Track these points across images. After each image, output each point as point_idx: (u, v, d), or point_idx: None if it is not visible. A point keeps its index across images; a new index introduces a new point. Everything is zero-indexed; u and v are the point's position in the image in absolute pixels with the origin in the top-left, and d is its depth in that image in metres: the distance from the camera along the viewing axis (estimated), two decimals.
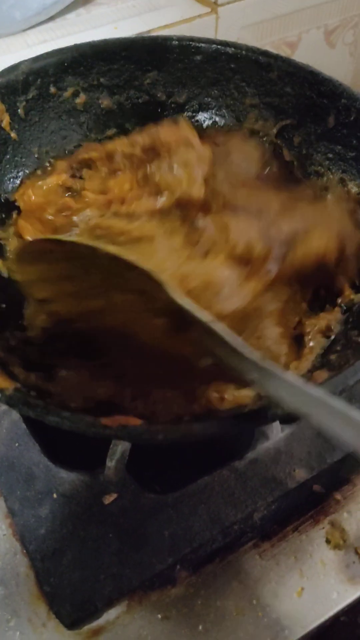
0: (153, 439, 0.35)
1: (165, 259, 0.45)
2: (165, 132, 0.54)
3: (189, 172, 0.50)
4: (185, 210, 0.49)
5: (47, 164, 0.57)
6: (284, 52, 0.94)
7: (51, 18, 0.81)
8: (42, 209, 0.53)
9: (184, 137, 0.52)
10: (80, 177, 0.56)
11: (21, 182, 0.55)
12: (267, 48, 0.92)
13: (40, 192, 0.54)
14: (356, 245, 0.46)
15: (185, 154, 0.51)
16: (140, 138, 0.54)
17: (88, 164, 0.56)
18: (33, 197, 0.54)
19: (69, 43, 0.79)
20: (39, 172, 0.56)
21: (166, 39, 0.57)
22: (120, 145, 0.55)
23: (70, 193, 0.55)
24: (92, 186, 0.55)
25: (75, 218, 0.52)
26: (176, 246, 0.46)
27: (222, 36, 0.86)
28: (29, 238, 0.51)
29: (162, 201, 0.49)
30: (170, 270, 0.44)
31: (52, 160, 0.57)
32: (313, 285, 0.48)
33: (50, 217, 0.52)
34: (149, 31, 0.81)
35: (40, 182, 0.55)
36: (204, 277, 0.44)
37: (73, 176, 0.56)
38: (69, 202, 0.53)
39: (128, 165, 0.54)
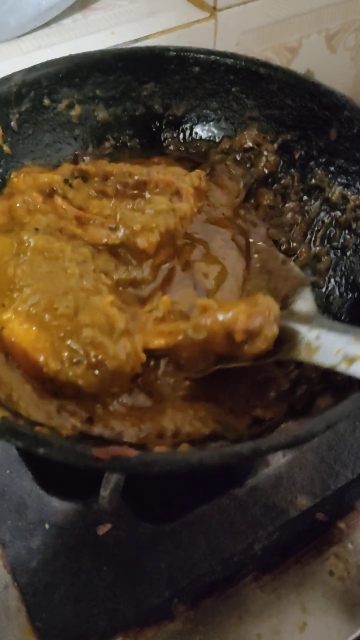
0: (148, 471, 0.33)
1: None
2: (165, 173, 0.54)
3: (149, 221, 0.49)
4: (129, 253, 0.49)
5: (57, 162, 0.56)
6: (284, 57, 0.93)
7: (47, 24, 0.80)
8: (19, 194, 0.52)
9: (175, 185, 0.52)
10: (70, 185, 0.54)
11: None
12: (267, 53, 0.91)
13: (31, 180, 0.53)
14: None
15: (163, 203, 0.51)
16: (138, 171, 0.53)
17: (85, 176, 0.55)
18: (23, 180, 0.53)
19: (65, 49, 0.77)
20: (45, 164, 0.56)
21: (164, 50, 0.56)
22: (118, 171, 0.54)
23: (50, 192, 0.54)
24: (75, 197, 0.53)
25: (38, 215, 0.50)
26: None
27: (221, 41, 0.85)
28: None
29: (112, 236, 0.49)
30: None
31: (61, 160, 0.56)
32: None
33: (17, 205, 0.50)
34: (146, 36, 0.79)
35: (36, 175, 0.54)
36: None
37: (66, 181, 0.55)
38: (37, 199, 0.51)
39: (117, 193, 0.53)
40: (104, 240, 0.48)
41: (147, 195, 0.52)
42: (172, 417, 0.43)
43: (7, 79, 0.52)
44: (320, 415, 0.36)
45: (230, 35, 0.85)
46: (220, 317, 0.41)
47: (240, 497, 0.46)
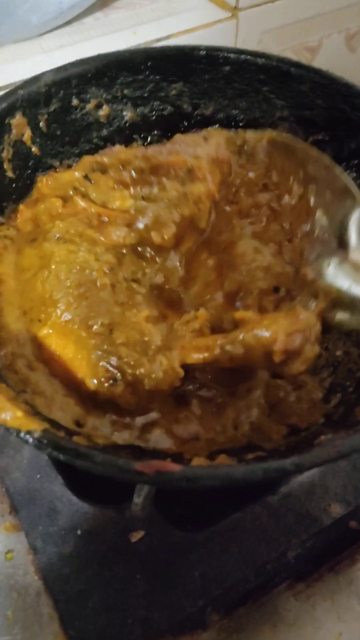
0: (191, 486, 0.33)
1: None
2: (174, 150, 0.51)
3: (161, 212, 0.47)
4: (151, 249, 0.48)
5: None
6: (304, 57, 0.92)
7: (68, 22, 0.79)
8: (42, 200, 0.51)
9: (188, 163, 0.50)
10: (90, 181, 0.53)
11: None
12: (287, 53, 0.91)
13: (53, 181, 0.52)
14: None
15: (173, 189, 0.48)
16: (152, 154, 0.51)
17: (102, 168, 0.54)
18: (46, 184, 0.52)
19: (86, 48, 0.77)
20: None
21: (193, 49, 0.55)
22: (132, 156, 0.52)
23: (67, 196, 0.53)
24: (96, 193, 0.52)
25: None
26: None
27: (242, 41, 0.84)
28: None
29: (129, 235, 0.48)
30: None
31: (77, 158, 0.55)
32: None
33: (40, 212, 0.50)
34: (168, 36, 0.79)
35: (57, 175, 0.53)
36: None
37: (86, 177, 0.54)
38: (55, 203, 0.50)
39: (135, 181, 0.51)
40: (122, 241, 0.47)
41: (164, 180, 0.50)
42: (207, 425, 0.43)
43: (36, 78, 0.51)
44: None
45: (251, 35, 0.85)
46: (259, 334, 0.40)
47: (274, 505, 0.45)
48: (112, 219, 0.49)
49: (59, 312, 0.42)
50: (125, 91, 0.55)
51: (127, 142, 0.57)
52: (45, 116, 0.52)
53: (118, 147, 0.55)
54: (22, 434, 0.33)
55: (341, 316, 0.41)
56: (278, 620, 0.42)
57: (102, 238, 0.48)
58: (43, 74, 0.51)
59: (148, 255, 0.48)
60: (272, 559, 0.44)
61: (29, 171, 0.52)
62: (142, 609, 0.41)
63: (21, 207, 0.51)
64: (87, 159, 0.54)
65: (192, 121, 0.58)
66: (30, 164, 0.52)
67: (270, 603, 0.43)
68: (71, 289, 0.44)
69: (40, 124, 0.52)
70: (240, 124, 0.57)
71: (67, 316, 0.42)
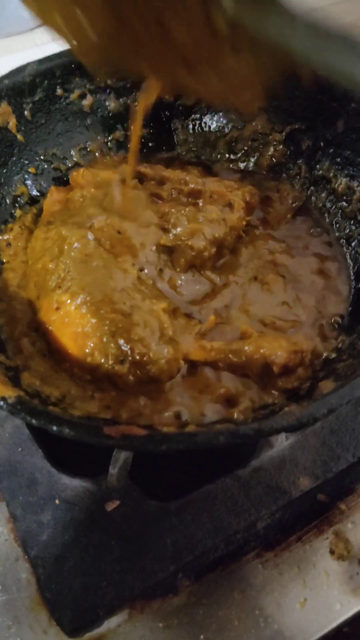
0: (156, 449, 0.35)
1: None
2: (219, 185, 0.56)
3: (200, 227, 0.51)
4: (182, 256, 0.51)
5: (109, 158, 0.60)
6: None
7: None
8: (79, 189, 0.55)
9: (229, 197, 0.54)
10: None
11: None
12: None
13: (90, 175, 0.56)
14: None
15: (214, 212, 0.53)
16: (194, 180, 0.56)
17: (142, 178, 0.57)
18: (82, 175, 0.56)
19: None
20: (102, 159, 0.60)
21: None
22: (175, 177, 0.56)
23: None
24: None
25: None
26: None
27: None
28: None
29: (165, 237, 0.51)
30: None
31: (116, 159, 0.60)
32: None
33: (76, 198, 0.54)
34: None
35: (95, 171, 0.57)
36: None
37: (123, 181, 0.56)
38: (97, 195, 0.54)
39: (171, 198, 0.56)
40: (160, 241, 0.51)
41: (201, 204, 0.55)
42: (180, 401, 0.45)
43: (21, 69, 0.53)
44: (322, 400, 0.38)
45: None
46: (262, 349, 0.45)
47: (244, 477, 0.47)
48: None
49: (75, 286, 0.46)
50: (109, 82, 0.57)
51: (111, 131, 0.59)
52: (30, 105, 0.54)
53: (160, 166, 0.59)
54: None
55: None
56: (246, 586, 0.44)
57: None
58: (27, 64, 0.53)
59: (175, 259, 0.52)
60: (241, 529, 0.45)
61: (14, 158, 0.54)
62: (116, 574, 0.43)
63: (52, 188, 0.55)
64: (128, 168, 0.57)
65: (174, 111, 0.60)
66: (15, 151, 0.54)
67: (239, 570, 0.45)
68: (90, 270, 0.47)
69: (25, 112, 0.54)
70: (220, 114, 0.59)
71: (88, 290, 0.46)
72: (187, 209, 0.52)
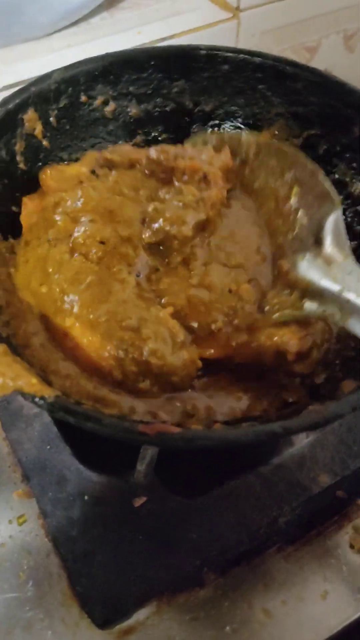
0: (189, 446, 0.36)
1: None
2: (190, 157, 0.54)
3: (180, 215, 0.49)
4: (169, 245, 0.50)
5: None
6: (303, 56, 0.95)
7: (76, 22, 0.82)
8: (51, 194, 0.53)
9: (202, 170, 0.52)
10: (97, 176, 0.56)
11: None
12: (287, 53, 0.94)
13: (57, 173, 0.54)
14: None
15: (189, 194, 0.51)
16: (164, 156, 0.54)
17: (110, 165, 0.57)
18: (50, 176, 0.54)
19: (93, 47, 0.80)
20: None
21: (194, 49, 0.58)
22: (141, 157, 0.55)
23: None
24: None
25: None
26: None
27: (243, 40, 0.87)
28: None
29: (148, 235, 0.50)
30: None
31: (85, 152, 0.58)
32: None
33: (49, 205, 0.51)
34: (171, 36, 0.82)
35: (62, 167, 0.55)
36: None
37: (93, 172, 0.56)
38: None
39: (145, 181, 0.54)
40: (145, 240, 0.49)
41: (176, 184, 0.52)
42: (201, 399, 0.46)
43: (46, 76, 0.54)
44: (346, 399, 0.39)
45: (252, 35, 0.88)
46: (274, 337, 0.45)
47: (266, 474, 0.49)
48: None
49: (79, 304, 0.44)
50: (130, 88, 0.58)
51: (132, 136, 0.60)
52: (55, 112, 0.55)
53: (127, 147, 0.58)
54: (36, 399, 0.37)
55: (309, 305, 0.46)
56: (269, 579, 0.46)
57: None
58: (53, 71, 0.55)
59: (164, 250, 0.50)
60: (264, 524, 0.47)
61: (40, 164, 0.55)
62: (144, 568, 0.44)
63: (25, 199, 0.53)
64: (93, 155, 0.57)
65: (193, 117, 0.61)
66: (40, 156, 0.55)
67: (263, 564, 0.46)
68: (88, 284, 0.45)
69: (51, 119, 0.55)
70: (239, 120, 0.61)
71: (92, 308, 0.44)
72: (162, 196, 0.50)
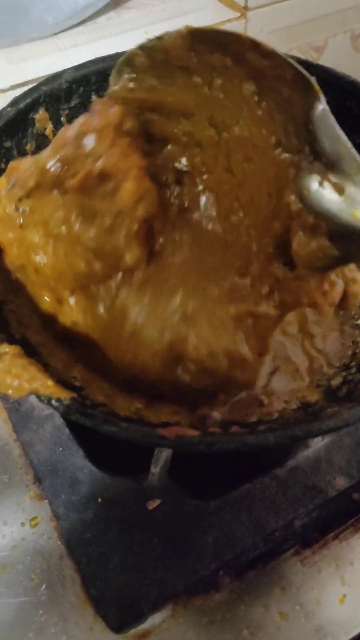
0: (209, 449, 0.36)
1: None
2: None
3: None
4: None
5: None
6: (310, 56, 0.95)
7: (82, 22, 0.82)
8: None
9: (92, 173, 0.40)
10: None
11: None
12: (294, 52, 0.93)
13: None
14: None
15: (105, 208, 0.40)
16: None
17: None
18: None
19: (99, 47, 0.80)
20: None
21: None
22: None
23: None
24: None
25: None
26: None
27: None
28: None
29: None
30: None
31: None
32: None
33: None
34: None
35: None
36: None
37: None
38: None
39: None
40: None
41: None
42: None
43: (58, 75, 0.54)
44: None
45: (259, 34, 0.88)
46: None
47: (281, 477, 0.48)
48: None
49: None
50: None
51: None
52: (66, 111, 0.55)
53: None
54: (52, 402, 0.36)
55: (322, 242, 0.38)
56: (286, 583, 0.45)
57: None
58: (64, 71, 0.54)
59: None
60: (280, 527, 0.46)
61: None
62: (159, 571, 0.44)
63: None
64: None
65: None
66: None
67: (279, 567, 0.46)
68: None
69: (62, 118, 0.55)
70: None
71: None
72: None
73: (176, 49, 0.40)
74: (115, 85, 0.43)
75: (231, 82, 0.40)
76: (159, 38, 0.40)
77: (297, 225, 0.39)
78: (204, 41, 0.39)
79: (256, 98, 0.40)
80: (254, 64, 0.38)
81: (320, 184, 0.38)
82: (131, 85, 0.43)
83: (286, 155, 0.40)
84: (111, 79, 0.43)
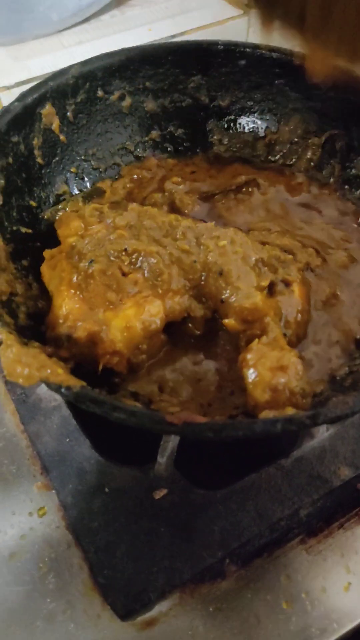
0: (217, 436, 0.36)
1: None
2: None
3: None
4: None
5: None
6: None
7: (86, 19, 0.83)
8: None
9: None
10: None
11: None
12: (296, 49, 0.94)
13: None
14: None
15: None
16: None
17: None
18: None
19: (103, 44, 0.80)
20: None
21: (211, 44, 0.58)
22: None
23: None
24: None
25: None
26: None
27: (253, 37, 0.87)
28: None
29: None
30: None
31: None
32: None
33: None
34: (182, 33, 0.82)
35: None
36: None
37: None
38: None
39: None
40: None
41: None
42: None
43: (64, 71, 0.55)
44: None
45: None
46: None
47: (287, 467, 0.49)
48: None
49: None
50: (147, 83, 0.59)
51: (148, 131, 0.60)
52: (73, 106, 0.55)
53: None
54: (62, 390, 0.37)
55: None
56: (292, 571, 0.46)
57: None
58: (71, 66, 0.55)
59: None
60: (285, 516, 0.47)
61: (57, 158, 0.55)
62: (166, 560, 0.44)
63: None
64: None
65: (209, 112, 0.61)
66: (57, 151, 0.56)
67: (284, 556, 0.46)
68: None
69: (68, 113, 0.55)
70: (255, 115, 0.61)
71: None
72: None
73: None
74: None
75: None
76: None
77: None
78: None
79: None
80: None
81: None
82: None
83: None
84: None
